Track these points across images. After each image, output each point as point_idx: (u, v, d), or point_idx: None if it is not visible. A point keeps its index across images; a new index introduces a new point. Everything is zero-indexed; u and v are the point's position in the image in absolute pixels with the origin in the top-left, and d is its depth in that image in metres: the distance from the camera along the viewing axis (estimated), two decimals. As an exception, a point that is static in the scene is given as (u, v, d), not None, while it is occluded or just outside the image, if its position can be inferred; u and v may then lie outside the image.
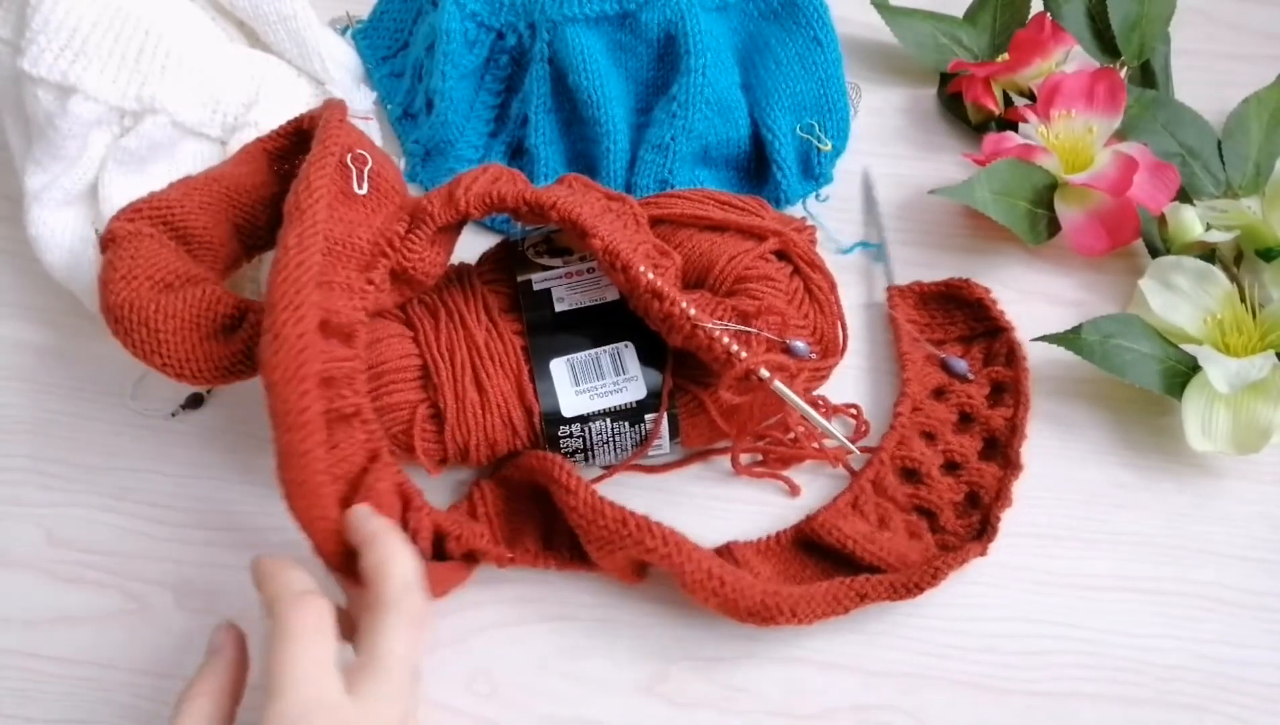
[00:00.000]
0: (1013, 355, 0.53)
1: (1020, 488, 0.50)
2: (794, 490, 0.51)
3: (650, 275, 0.45)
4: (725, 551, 0.48)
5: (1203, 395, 0.50)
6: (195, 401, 0.53)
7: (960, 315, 0.55)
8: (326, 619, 0.37)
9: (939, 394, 0.53)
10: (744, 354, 0.44)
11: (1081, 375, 0.54)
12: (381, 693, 0.36)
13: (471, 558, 0.47)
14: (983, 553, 0.47)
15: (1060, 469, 0.52)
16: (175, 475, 0.51)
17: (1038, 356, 0.54)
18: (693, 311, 0.45)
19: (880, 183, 0.62)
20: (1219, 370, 0.49)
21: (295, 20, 0.57)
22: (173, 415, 0.53)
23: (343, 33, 0.67)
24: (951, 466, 0.51)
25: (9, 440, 0.53)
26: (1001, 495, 0.49)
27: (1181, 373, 0.51)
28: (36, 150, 0.53)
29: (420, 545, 0.44)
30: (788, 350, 0.46)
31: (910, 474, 0.50)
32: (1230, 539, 0.50)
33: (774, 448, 0.51)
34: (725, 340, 0.44)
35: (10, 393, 0.54)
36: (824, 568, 0.48)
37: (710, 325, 0.45)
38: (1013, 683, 0.46)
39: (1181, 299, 0.53)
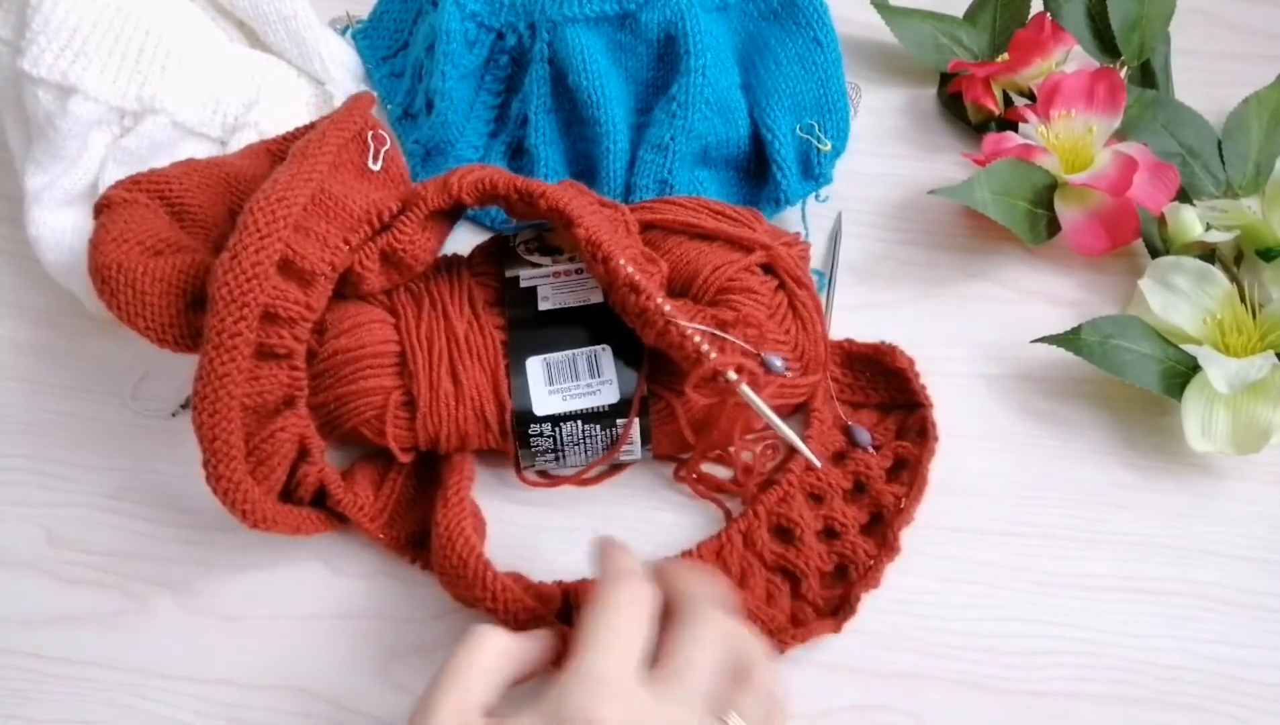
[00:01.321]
0: (924, 433, 0.51)
1: (1021, 487, 0.51)
2: (728, 515, 0.50)
3: (629, 268, 0.45)
4: (572, 592, 0.45)
5: (1202, 395, 0.50)
6: (195, 401, 0.53)
7: (883, 382, 0.53)
8: (647, 602, 0.38)
9: (839, 458, 0.51)
10: (714, 354, 0.45)
11: (1081, 375, 0.54)
12: (675, 696, 0.36)
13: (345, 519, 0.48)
14: (835, 630, 0.46)
15: (1060, 469, 0.52)
16: (175, 475, 0.51)
17: (1038, 356, 0.54)
18: (668, 307, 0.45)
19: (880, 183, 0.62)
20: (1219, 370, 0.49)
21: (295, 20, 0.57)
22: (173, 415, 0.53)
23: (343, 33, 0.68)
24: (830, 534, 0.48)
25: (9, 440, 0.53)
26: (870, 575, 0.47)
27: (1181, 373, 0.51)
28: (36, 150, 0.53)
29: (301, 494, 0.46)
30: (762, 364, 0.46)
31: (784, 533, 0.48)
32: (1230, 539, 0.50)
33: (707, 475, 0.51)
34: (697, 338, 0.45)
35: (10, 393, 0.54)
36: None
37: (684, 323, 0.45)
38: (1013, 683, 0.46)
39: (1181, 299, 0.53)
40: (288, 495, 0.47)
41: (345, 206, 0.45)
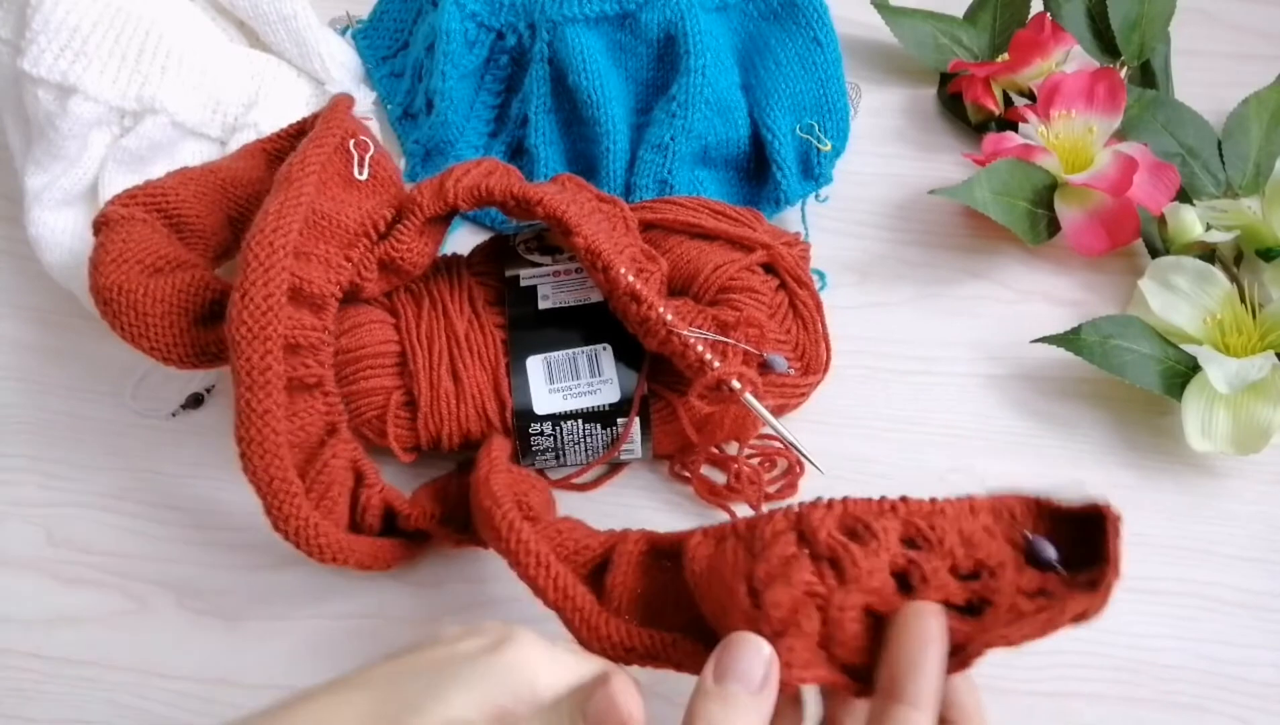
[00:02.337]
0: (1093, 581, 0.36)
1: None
2: (733, 518, 0.49)
3: (630, 277, 0.45)
4: (610, 545, 0.42)
5: (1202, 395, 0.50)
6: (195, 401, 0.53)
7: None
8: None
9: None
10: (717, 363, 0.44)
11: (1081, 375, 0.54)
12: None
13: (422, 535, 0.47)
14: None
15: (1060, 469, 0.52)
16: (175, 475, 0.51)
17: (1038, 356, 0.54)
18: (669, 316, 0.45)
19: (880, 183, 0.62)
20: (1219, 370, 0.49)
21: (295, 20, 0.57)
22: (173, 415, 0.53)
23: (343, 33, 0.67)
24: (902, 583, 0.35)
25: (9, 440, 0.53)
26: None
27: (1181, 373, 0.51)
28: (36, 150, 0.53)
29: (369, 521, 0.45)
30: (765, 363, 0.46)
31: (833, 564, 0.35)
32: (1230, 539, 0.50)
33: (705, 478, 0.50)
34: (700, 348, 0.45)
35: (10, 393, 0.54)
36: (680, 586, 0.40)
37: (686, 332, 0.45)
38: (1013, 683, 0.46)
39: (1181, 299, 0.53)
40: (355, 526, 0.45)
41: (339, 223, 0.45)
